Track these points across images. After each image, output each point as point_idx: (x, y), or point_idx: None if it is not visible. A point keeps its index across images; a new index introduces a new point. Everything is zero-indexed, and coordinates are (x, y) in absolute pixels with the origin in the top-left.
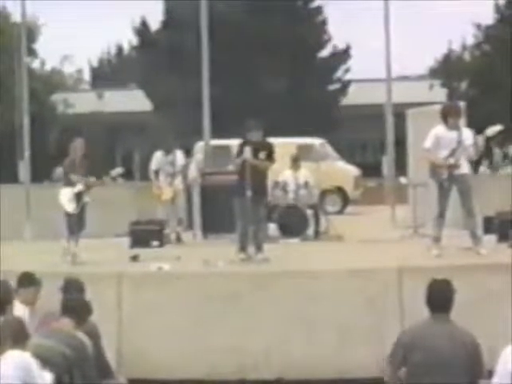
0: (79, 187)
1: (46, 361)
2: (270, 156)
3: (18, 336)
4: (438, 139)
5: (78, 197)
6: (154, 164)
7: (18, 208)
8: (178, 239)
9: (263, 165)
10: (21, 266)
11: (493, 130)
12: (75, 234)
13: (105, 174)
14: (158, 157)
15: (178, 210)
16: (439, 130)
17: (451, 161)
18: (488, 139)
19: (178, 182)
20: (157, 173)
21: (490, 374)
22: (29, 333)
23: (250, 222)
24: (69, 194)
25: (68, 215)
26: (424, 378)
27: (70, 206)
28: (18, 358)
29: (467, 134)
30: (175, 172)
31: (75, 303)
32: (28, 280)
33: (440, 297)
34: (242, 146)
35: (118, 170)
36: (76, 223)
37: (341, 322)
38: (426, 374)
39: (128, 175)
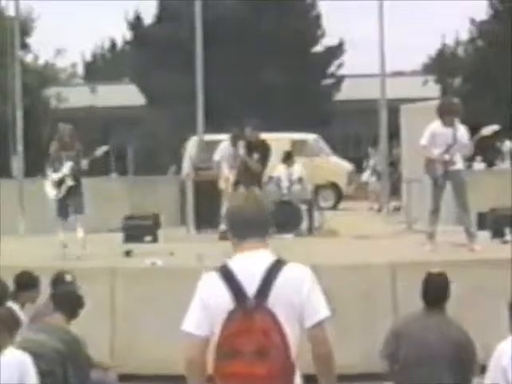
0: (63, 172)
1: (38, 356)
2: (264, 159)
3: (12, 327)
4: (434, 136)
5: (60, 182)
6: (217, 155)
7: (11, 203)
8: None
9: (255, 167)
10: (15, 261)
11: (488, 129)
12: (64, 219)
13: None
14: (223, 147)
15: None
16: (435, 126)
17: (446, 157)
18: (483, 138)
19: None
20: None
21: (484, 369)
22: (20, 320)
23: None
24: (51, 181)
25: (54, 202)
26: (413, 370)
27: (52, 193)
28: (17, 360)
29: (462, 131)
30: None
31: (67, 297)
32: (30, 281)
33: (435, 290)
34: (234, 139)
35: (103, 148)
36: (62, 208)
37: (334, 317)
38: (415, 366)
39: (122, 169)
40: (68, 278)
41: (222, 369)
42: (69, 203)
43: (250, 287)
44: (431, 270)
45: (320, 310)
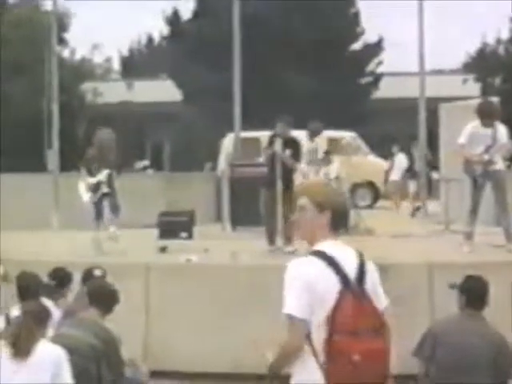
0: (99, 178)
1: (73, 351)
2: (297, 154)
3: (43, 320)
4: (473, 136)
5: (96, 188)
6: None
7: (46, 197)
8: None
9: (290, 162)
10: (49, 255)
11: None
12: (100, 220)
13: (132, 165)
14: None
15: None
16: (474, 126)
17: (486, 157)
18: None
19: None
20: None
21: None
22: (51, 314)
23: (278, 215)
24: (85, 184)
25: (89, 204)
26: (451, 373)
27: (86, 196)
28: (52, 353)
29: (502, 132)
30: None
31: (102, 292)
32: (64, 277)
33: (474, 294)
34: (272, 138)
35: (144, 163)
36: (97, 211)
37: None
38: (453, 369)
39: (158, 166)
40: (97, 272)
41: (343, 345)
42: (96, 209)
43: (350, 273)
44: (470, 274)
45: (384, 299)
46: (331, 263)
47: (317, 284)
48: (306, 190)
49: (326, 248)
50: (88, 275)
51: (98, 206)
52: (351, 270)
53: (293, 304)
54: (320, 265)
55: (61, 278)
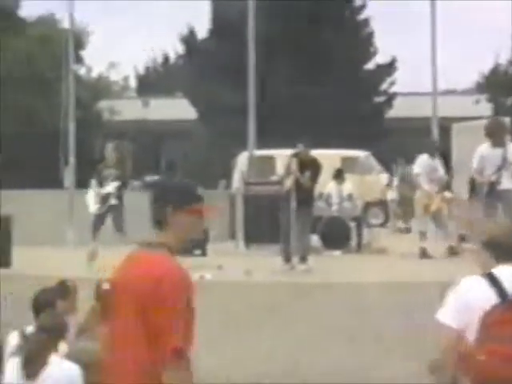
0: (108, 190)
1: (88, 366)
2: (315, 176)
3: (57, 334)
4: (483, 158)
5: (104, 199)
6: (417, 167)
7: (62, 214)
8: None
9: (307, 185)
10: (61, 271)
11: None
12: (98, 231)
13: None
14: (423, 160)
15: (446, 222)
16: (484, 148)
17: (493, 178)
18: None
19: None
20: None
21: None
22: (66, 327)
23: (294, 233)
24: (94, 195)
25: (93, 215)
26: None
27: (94, 206)
28: (66, 371)
29: (511, 151)
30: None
31: None
32: (65, 290)
33: None
34: (290, 158)
35: (154, 178)
36: (98, 222)
37: (381, 335)
38: None
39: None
40: (106, 286)
41: (491, 349)
42: (105, 219)
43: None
44: None
45: None
46: (493, 282)
47: (474, 302)
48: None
49: (495, 271)
50: (98, 289)
51: (101, 217)
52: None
53: (447, 313)
54: (481, 284)
55: (61, 290)
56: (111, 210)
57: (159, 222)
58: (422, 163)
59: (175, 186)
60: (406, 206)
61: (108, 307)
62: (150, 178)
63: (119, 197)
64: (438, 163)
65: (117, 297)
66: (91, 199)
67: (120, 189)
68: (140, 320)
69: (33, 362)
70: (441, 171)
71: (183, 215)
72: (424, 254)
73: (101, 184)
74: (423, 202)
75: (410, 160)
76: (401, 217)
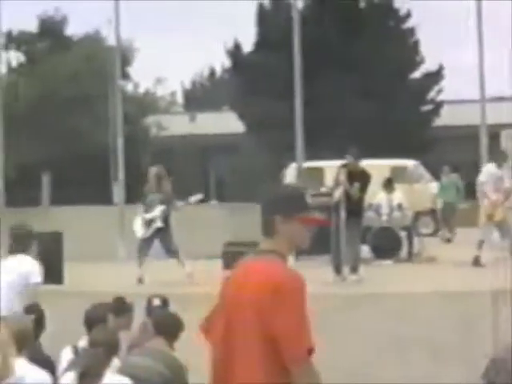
0: (154, 214)
1: (142, 380)
2: (364, 187)
3: (109, 349)
4: None
5: (150, 223)
6: (483, 176)
7: (111, 229)
8: None
9: (356, 195)
10: (113, 287)
11: None
12: (144, 257)
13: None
14: (489, 169)
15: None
16: None
17: None
18: None
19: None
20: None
21: None
22: (119, 343)
23: (344, 244)
24: (140, 220)
25: (139, 240)
26: None
27: (140, 231)
28: None
29: None
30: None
31: (168, 321)
32: (122, 307)
33: None
34: (339, 169)
35: (198, 196)
36: (144, 247)
37: (433, 345)
38: None
39: (220, 197)
40: (157, 301)
41: None
42: (151, 243)
43: None
44: None
45: None
46: None
47: None
48: None
49: None
50: (149, 305)
51: (147, 242)
52: None
53: None
54: None
55: (118, 308)
56: (158, 233)
57: (269, 230)
58: (488, 172)
59: (285, 193)
60: (448, 215)
61: (216, 316)
62: (194, 199)
63: (165, 219)
64: (504, 173)
65: (232, 306)
66: (138, 225)
67: (165, 211)
68: (259, 327)
69: (88, 376)
70: (507, 181)
71: (292, 223)
72: (476, 263)
73: (147, 209)
74: (488, 211)
75: (458, 168)
76: (443, 226)
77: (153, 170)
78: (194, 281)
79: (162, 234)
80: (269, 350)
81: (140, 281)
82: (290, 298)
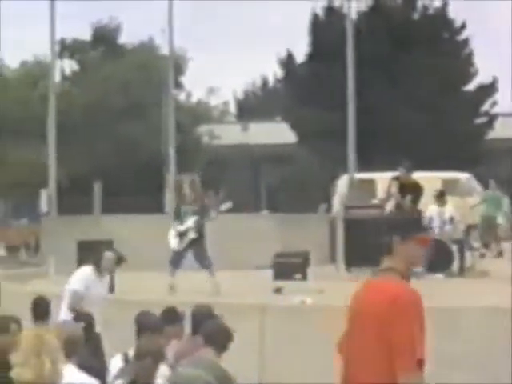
0: (188, 225)
1: None
2: (417, 199)
3: (159, 356)
4: None
5: (183, 234)
6: None
7: (162, 238)
8: None
9: (408, 208)
10: (163, 296)
11: None
12: (176, 268)
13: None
14: None
15: None
16: None
17: None
18: None
19: None
20: None
21: None
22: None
23: None
24: (174, 231)
25: (172, 252)
26: None
27: (173, 243)
28: None
29: None
30: None
31: (217, 331)
32: (174, 316)
33: None
34: (391, 181)
35: (228, 205)
36: (177, 259)
37: (483, 360)
38: None
39: (272, 207)
40: (210, 311)
41: None
42: (186, 255)
43: None
44: None
45: None
46: None
47: None
48: None
49: None
50: (198, 314)
51: (180, 253)
52: None
53: None
54: None
55: (170, 317)
56: (192, 244)
57: (389, 250)
58: None
59: (403, 216)
60: (485, 230)
61: (347, 330)
62: (224, 207)
63: (199, 230)
64: None
65: (358, 320)
66: (172, 236)
67: (198, 222)
68: (378, 339)
69: None
70: None
71: (409, 244)
72: None
73: (181, 221)
74: None
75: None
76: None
77: (189, 182)
78: (219, 291)
79: (195, 245)
80: (384, 358)
81: (172, 291)
82: (405, 310)
